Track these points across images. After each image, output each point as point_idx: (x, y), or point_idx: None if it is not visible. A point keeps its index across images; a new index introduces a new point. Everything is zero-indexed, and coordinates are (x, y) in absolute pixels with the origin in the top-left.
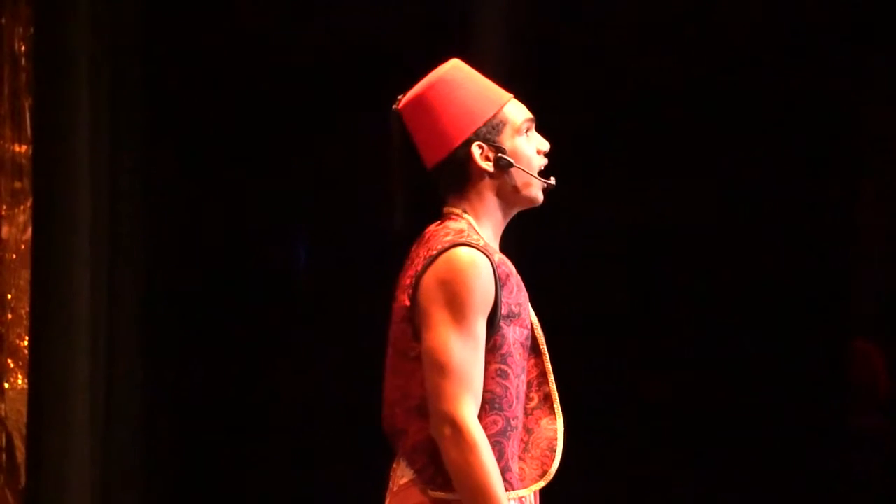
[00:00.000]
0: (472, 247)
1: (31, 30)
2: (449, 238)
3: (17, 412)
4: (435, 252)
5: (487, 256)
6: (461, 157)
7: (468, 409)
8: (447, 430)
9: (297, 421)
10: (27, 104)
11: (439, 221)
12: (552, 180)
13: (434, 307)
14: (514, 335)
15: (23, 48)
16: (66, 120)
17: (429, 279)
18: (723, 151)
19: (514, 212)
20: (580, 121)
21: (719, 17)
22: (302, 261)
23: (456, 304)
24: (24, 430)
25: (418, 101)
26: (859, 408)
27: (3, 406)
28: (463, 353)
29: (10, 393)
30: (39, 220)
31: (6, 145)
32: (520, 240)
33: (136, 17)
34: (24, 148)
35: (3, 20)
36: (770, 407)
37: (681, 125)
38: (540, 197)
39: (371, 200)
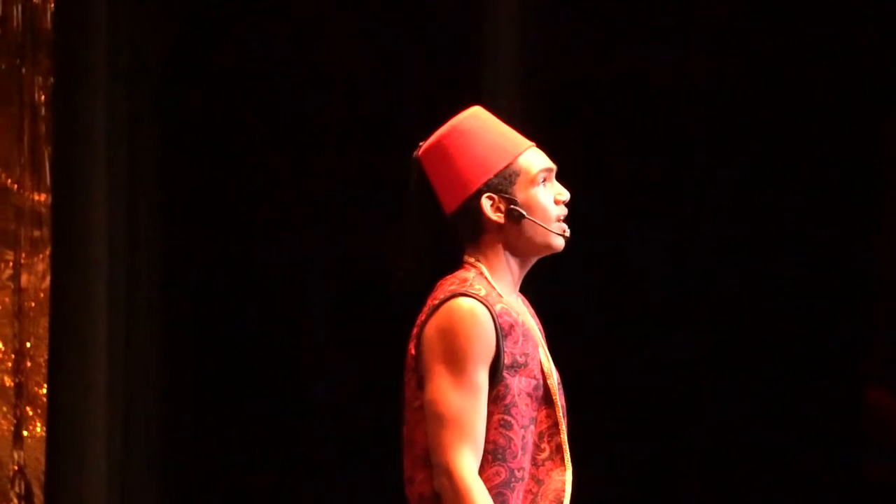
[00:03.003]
0: (471, 297)
1: (51, 80)
2: (452, 287)
3: (35, 460)
4: (437, 302)
5: (487, 306)
6: (473, 207)
7: (464, 460)
8: (445, 481)
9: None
10: (47, 153)
11: (454, 271)
12: (566, 232)
13: (433, 358)
14: (519, 385)
15: (42, 98)
16: (85, 169)
17: (429, 329)
18: (741, 204)
19: (533, 260)
20: (602, 165)
21: (733, 54)
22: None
23: (454, 355)
24: (42, 478)
25: (435, 147)
26: (873, 458)
27: (22, 454)
28: (460, 403)
29: (29, 441)
30: (58, 268)
31: (26, 194)
32: (540, 289)
33: (155, 66)
34: (43, 196)
35: (24, 70)
36: (784, 457)
37: (700, 163)
38: (558, 244)
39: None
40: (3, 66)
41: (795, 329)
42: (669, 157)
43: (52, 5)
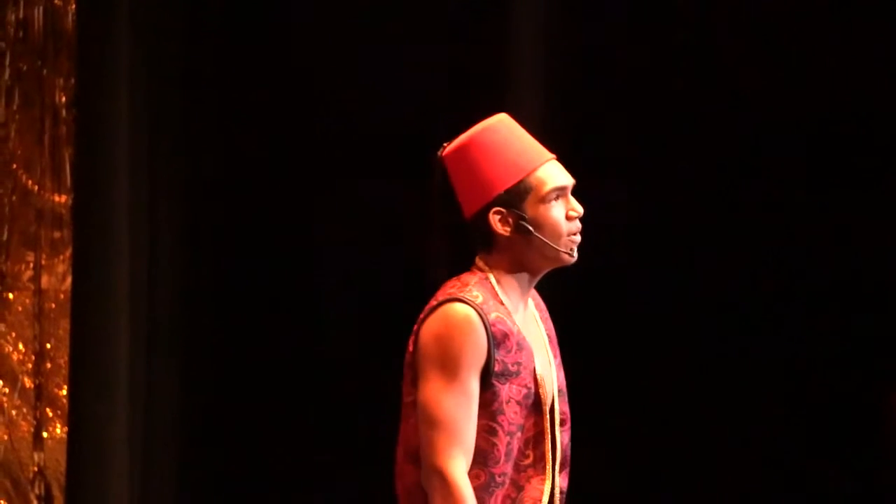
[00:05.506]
0: (466, 303)
1: (72, 81)
2: (452, 291)
3: (55, 462)
4: (435, 304)
5: (481, 314)
6: (483, 219)
7: (457, 464)
8: (436, 483)
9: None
10: (67, 155)
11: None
12: (573, 251)
13: (427, 361)
14: (508, 393)
15: (63, 99)
16: (105, 171)
17: (425, 331)
18: (768, 207)
19: (543, 272)
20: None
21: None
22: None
23: (448, 360)
24: (62, 480)
25: (459, 151)
26: (892, 464)
27: (42, 455)
28: (453, 408)
29: (49, 442)
30: (79, 270)
31: (46, 195)
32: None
33: (176, 67)
34: (63, 198)
35: (44, 72)
36: (803, 462)
37: (728, 164)
38: (567, 259)
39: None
40: (25, 68)
41: (817, 333)
42: (695, 159)
43: (74, 7)
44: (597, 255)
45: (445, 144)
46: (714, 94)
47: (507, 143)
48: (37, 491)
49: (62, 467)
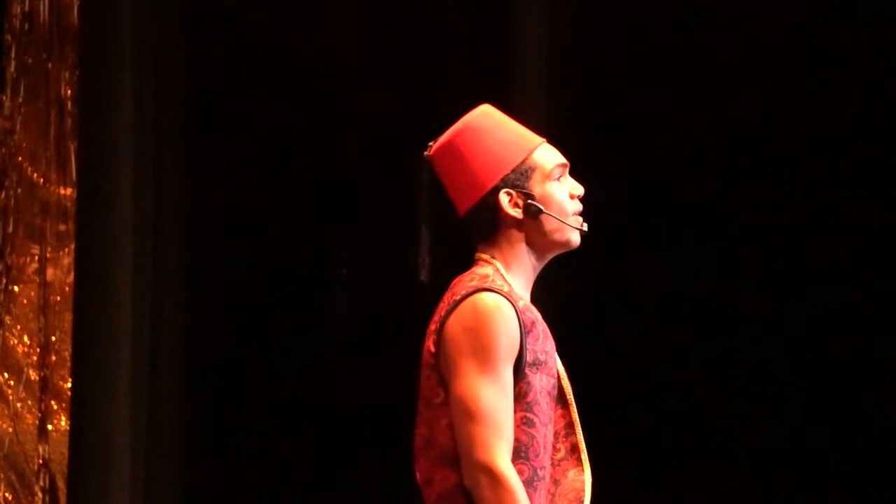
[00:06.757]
0: (495, 292)
1: (77, 74)
2: (473, 283)
3: (60, 454)
4: (459, 297)
5: (511, 302)
6: (490, 204)
7: (503, 456)
8: (483, 479)
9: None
10: (72, 148)
11: (469, 269)
12: (584, 226)
13: (460, 354)
14: (540, 383)
15: (69, 92)
16: (110, 164)
17: (453, 325)
18: (790, 209)
19: (549, 257)
20: (618, 167)
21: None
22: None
23: (482, 351)
24: (67, 472)
25: (447, 147)
26: None
27: (46, 448)
28: (492, 399)
29: (54, 435)
30: (83, 263)
31: (51, 188)
32: (551, 288)
33: (180, 60)
34: (68, 191)
35: (50, 65)
36: (804, 463)
37: (721, 171)
38: (575, 240)
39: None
40: (30, 61)
41: (824, 333)
42: (695, 160)
43: (79, 0)
44: (598, 255)
45: (431, 144)
46: (718, 97)
47: (501, 126)
48: (41, 483)
49: (66, 459)
